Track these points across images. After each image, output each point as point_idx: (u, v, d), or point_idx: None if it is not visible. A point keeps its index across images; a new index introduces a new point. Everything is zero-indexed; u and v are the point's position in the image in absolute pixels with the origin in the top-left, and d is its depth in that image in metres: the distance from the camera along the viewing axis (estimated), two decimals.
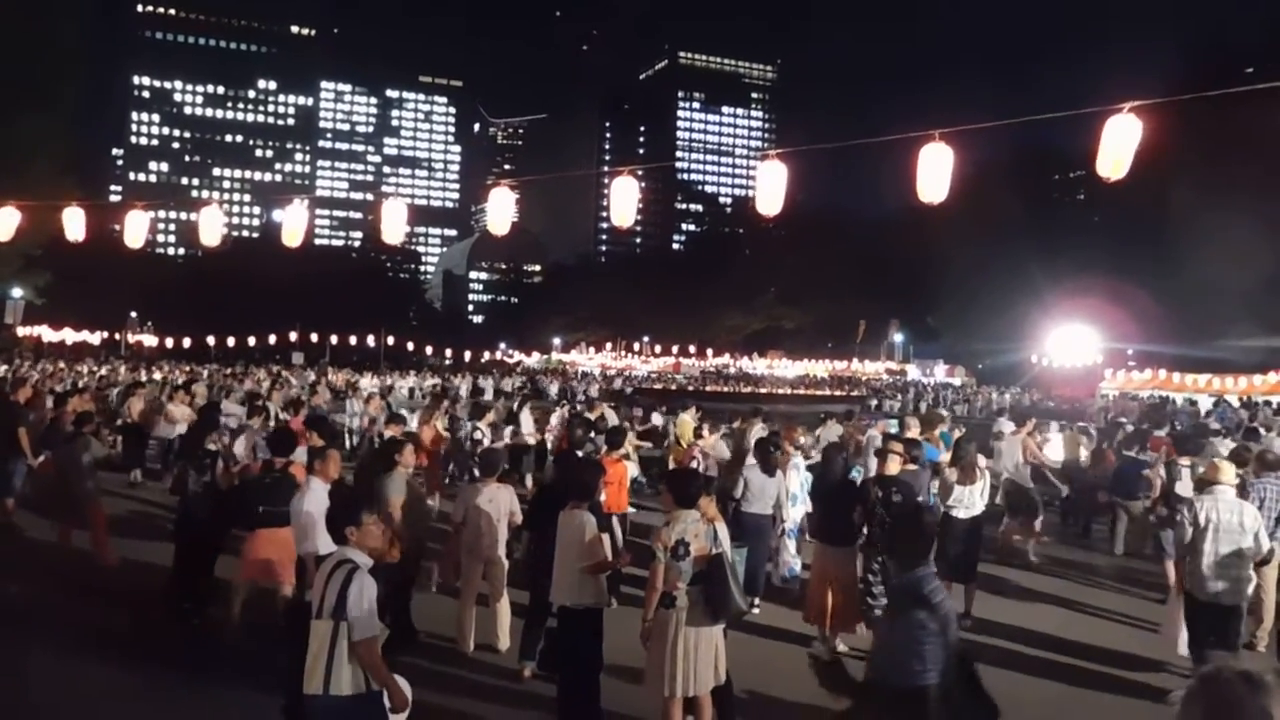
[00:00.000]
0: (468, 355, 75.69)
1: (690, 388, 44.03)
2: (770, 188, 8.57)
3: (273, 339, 64.13)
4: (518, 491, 8.82)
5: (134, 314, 68.70)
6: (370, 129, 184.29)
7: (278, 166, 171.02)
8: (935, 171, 7.70)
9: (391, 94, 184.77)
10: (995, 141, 68.82)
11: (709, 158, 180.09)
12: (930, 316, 71.89)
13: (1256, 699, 2.03)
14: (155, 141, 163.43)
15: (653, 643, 5.53)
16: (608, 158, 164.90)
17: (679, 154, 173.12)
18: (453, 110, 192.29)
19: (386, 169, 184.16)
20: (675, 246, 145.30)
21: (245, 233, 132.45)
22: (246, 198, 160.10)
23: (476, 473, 8.21)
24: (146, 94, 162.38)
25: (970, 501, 8.94)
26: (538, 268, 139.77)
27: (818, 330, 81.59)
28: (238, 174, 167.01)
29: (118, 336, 65.33)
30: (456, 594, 7.84)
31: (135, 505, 13.40)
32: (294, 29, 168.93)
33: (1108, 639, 8.57)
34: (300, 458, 8.20)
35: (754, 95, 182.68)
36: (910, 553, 4.71)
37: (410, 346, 76.64)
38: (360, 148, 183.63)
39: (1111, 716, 7.00)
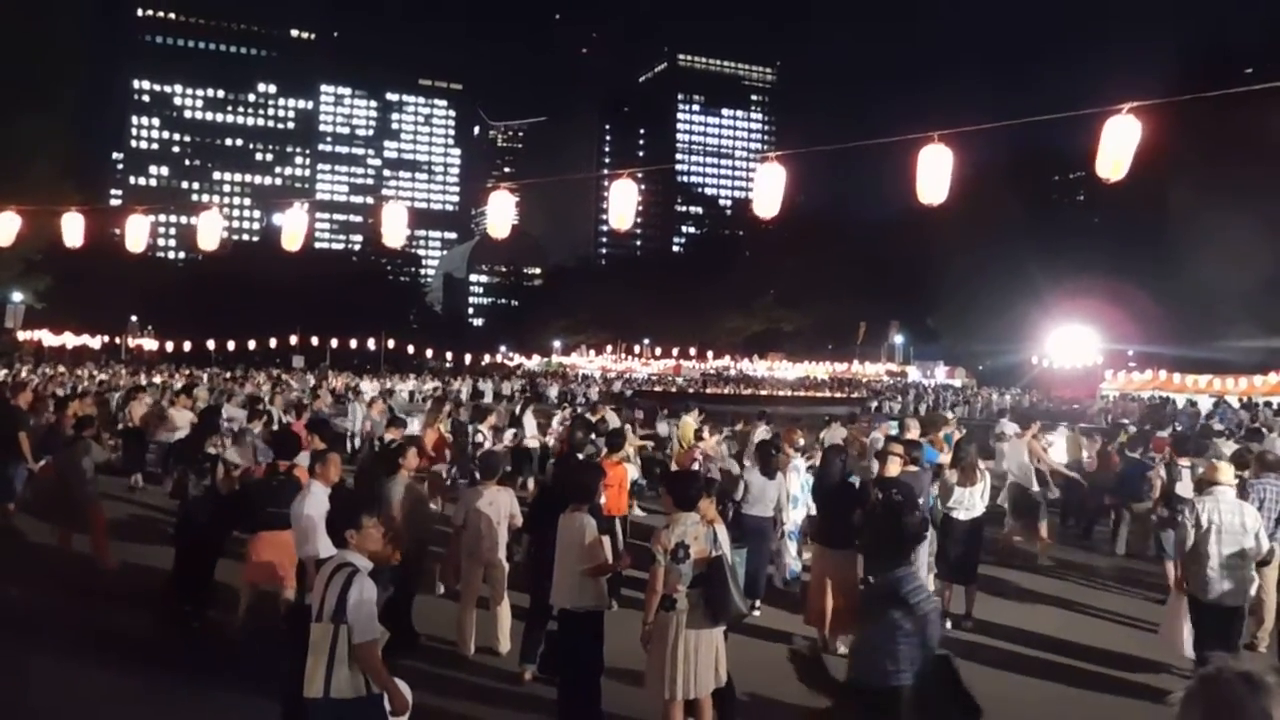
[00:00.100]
0: (468, 358, 75.67)
1: (691, 390, 44.06)
2: (768, 190, 8.57)
3: (273, 342, 64.07)
4: (519, 495, 8.82)
5: (134, 318, 68.75)
6: (370, 132, 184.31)
7: (278, 170, 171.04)
8: (935, 173, 7.70)
9: (391, 97, 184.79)
10: (995, 142, 68.78)
11: (709, 160, 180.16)
12: (930, 318, 71.82)
13: (1256, 700, 2.03)
14: (155, 145, 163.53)
15: (653, 645, 5.53)
16: (607, 160, 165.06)
17: (679, 156, 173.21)
18: (453, 113, 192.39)
19: (386, 172, 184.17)
20: (675, 249, 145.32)
21: (245, 236, 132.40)
22: (247, 201, 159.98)
23: (477, 475, 8.21)
24: (146, 98, 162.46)
25: (971, 503, 8.94)
26: (538, 270, 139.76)
27: (818, 332, 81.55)
28: (238, 178, 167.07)
29: (118, 341, 65.34)
30: (457, 597, 7.84)
31: (135, 509, 13.41)
32: (294, 33, 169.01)
33: (1109, 640, 8.56)
34: (304, 461, 8.20)
35: (754, 97, 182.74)
36: (889, 553, 4.69)
37: (410, 350, 76.63)
38: (360, 151, 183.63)
39: (1112, 718, 6.99)
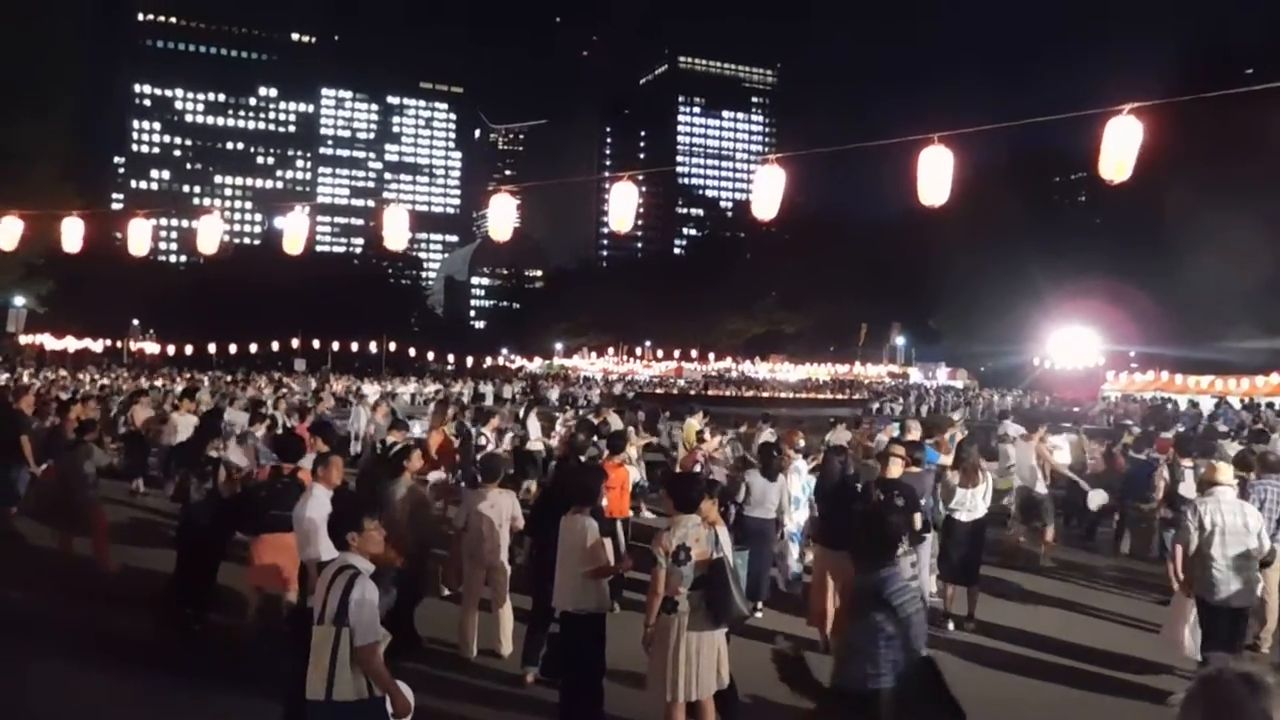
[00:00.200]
0: (469, 361, 75.69)
1: (692, 392, 44.06)
2: (766, 192, 8.57)
3: (275, 346, 64.15)
4: (523, 498, 8.82)
5: (136, 321, 68.82)
6: (371, 135, 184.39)
7: (279, 173, 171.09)
8: (936, 174, 7.71)
9: (392, 100, 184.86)
10: (995, 144, 68.65)
11: (709, 162, 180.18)
12: (932, 319, 71.79)
13: (1257, 701, 2.03)
14: (156, 149, 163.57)
15: (655, 648, 5.53)
16: (608, 163, 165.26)
17: (679, 158, 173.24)
18: (454, 116, 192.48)
19: (388, 175, 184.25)
20: (676, 251, 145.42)
21: (247, 240, 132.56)
22: (248, 205, 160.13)
23: (478, 478, 8.21)
24: (148, 102, 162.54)
25: (972, 504, 8.93)
26: (539, 273, 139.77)
27: (819, 333, 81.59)
28: (239, 181, 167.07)
29: (120, 344, 65.38)
30: (459, 600, 7.84)
31: (137, 513, 13.43)
32: (295, 36, 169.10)
33: (1111, 641, 8.55)
34: (307, 464, 8.20)
35: (754, 99, 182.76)
36: (873, 553, 4.67)
37: (412, 352, 76.64)
38: (361, 154, 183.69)
39: (1114, 719, 6.98)
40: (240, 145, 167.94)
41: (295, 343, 64.63)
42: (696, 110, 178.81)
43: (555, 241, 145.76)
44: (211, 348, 63.59)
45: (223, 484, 8.71)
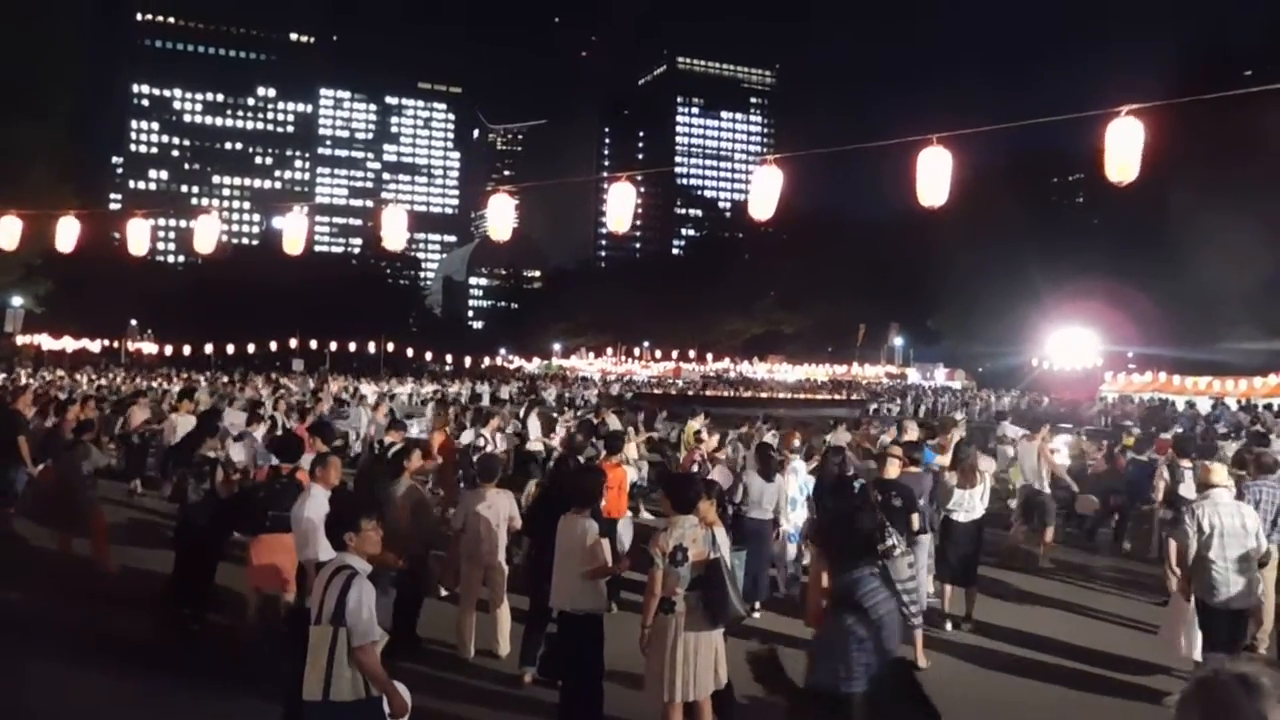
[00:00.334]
0: (468, 361, 75.66)
1: (690, 393, 44.03)
2: (765, 192, 8.57)
3: (273, 346, 64.11)
4: (519, 498, 8.82)
5: (134, 322, 68.71)
6: (370, 136, 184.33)
7: (277, 174, 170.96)
8: (934, 175, 7.70)
9: (391, 101, 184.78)
10: (995, 144, 68.79)
11: (708, 162, 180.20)
12: (930, 320, 71.81)
13: (1253, 702, 2.03)
14: (155, 149, 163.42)
15: (652, 648, 5.53)
16: (607, 163, 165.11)
17: (678, 159, 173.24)
18: (452, 117, 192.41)
19: (386, 176, 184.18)
20: (675, 251, 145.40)
21: (245, 240, 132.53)
22: (246, 205, 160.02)
23: (476, 479, 8.20)
24: (146, 102, 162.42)
25: (970, 505, 8.93)
26: (538, 273, 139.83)
27: (817, 334, 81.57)
28: (237, 181, 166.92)
29: (117, 345, 65.32)
30: (456, 600, 7.84)
31: (135, 513, 13.41)
32: (293, 36, 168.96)
33: (1110, 643, 8.55)
34: (307, 464, 8.20)
35: (753, 100, 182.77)
36: (847, 553, 4.65)
37: (410, 353, 76.61)
38: (360, 154, 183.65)
39: None
40: (239, 145, 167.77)
41: (293, 343, 64.62)
42: (695, 110, 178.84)
43: (554, 242, 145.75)
44: (209, 348, 63.53)
45: (221, 484, 8.70)
